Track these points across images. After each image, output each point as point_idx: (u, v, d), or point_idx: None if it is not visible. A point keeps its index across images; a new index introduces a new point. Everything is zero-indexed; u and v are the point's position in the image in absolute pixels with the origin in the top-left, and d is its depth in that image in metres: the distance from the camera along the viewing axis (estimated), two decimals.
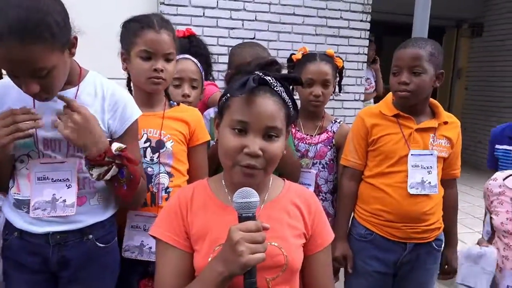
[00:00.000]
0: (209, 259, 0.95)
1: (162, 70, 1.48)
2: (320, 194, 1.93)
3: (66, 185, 1.27)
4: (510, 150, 2.19)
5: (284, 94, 0.99)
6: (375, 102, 4.34)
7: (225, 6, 3.99)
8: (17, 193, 1.29)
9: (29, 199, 1.26)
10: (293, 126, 1.96)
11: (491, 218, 1.65)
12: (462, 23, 7.24)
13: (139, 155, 1.41)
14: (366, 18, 4.50)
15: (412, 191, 1.66)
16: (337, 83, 1.98)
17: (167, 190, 1.51)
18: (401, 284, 1.80)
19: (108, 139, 1.27)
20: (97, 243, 1.33)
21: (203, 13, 3.93)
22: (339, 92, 2.03)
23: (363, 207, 1.78)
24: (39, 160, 1.26)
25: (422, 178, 1.67)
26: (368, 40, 4.54)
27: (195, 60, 1.84)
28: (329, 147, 1.93)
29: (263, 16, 4.14)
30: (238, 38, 3.90)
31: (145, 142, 1.51)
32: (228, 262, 0.86)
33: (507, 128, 2.30)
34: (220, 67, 3.16)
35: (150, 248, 1.47)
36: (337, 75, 1.96)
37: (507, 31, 6.43)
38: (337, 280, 1.93)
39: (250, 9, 4.08)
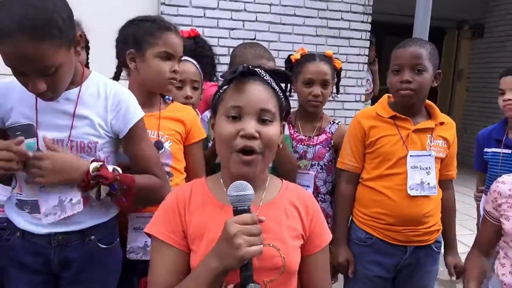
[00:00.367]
0: None
1: (177, 72, 1.54)
2: (319, 195, 1.92)
3: (69, 185, 1.26)
4: (499, 153, 2.20)
5: (274, 84, 1.02)
6: (372, 103, 4.34)
7: (225, 7, 4.00)
8: (19, 194, 1.29)
9: (31, 200, 1.26)
10: (291, 127, 1.96)
11: (500, 222, 1.58)
12: (463, 24, 7.25)
13: (153, 152, 1.41)
14: (367, 19, 4.50)
15: (412, 192, 1.65)
16: (335, 85, 1.98)
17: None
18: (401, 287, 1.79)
19: (92, 158, 1.27)
20: (99, 244, 1.33)
21: (204, 14, 3.94)
22: (337, 93, 2.03)
23: (362, 211, 1.76)
24: None
25: (421, 179, 1.66)
26: (369, 41, 4.55)
27: (195, 62, 1.86)
28: (328, 148, 1.92)
29: (263, 17, 4.14)
30: (238, 38, 3.91)
31: None
32: (223, 256, 0.86)
33: (494, 131, 2.31)
34: (221, 67, 3.17)
35: None
36: (335, 76, 1.96)
37: (507, 33, 6.44)
38: (335, 281, 1.93)
39: (251, 9, 4.09)
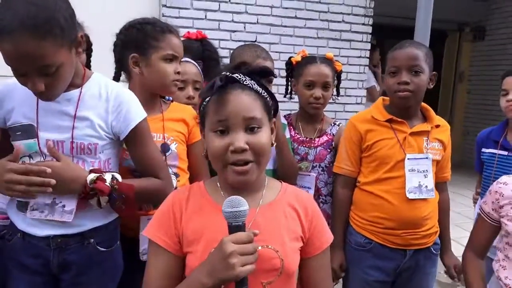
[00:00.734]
0: None
1: (180, 73, 1.57)
2: (320, 197, 1.92)
3: None
4: (495, 154, 2.19)
5: (256, 86, 0.99)
6: None
7: (227, 9, 4.01)
8: None
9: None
10: (292, 129, 1.96)
11: (499, 223, 1.56)
12: (464, 27, 7.25)
13: (157, 155, 1.40)
14: (368, 22, 4.50)
15: (410, 195, 1.64)
16: (335, 87, 1.98)
17: None
18: None
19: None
20: (98, 247, 1.32)
21: (205, 16, 3.95)
22: (337, 96, 2.03)
23: (360, 215, 1.74)
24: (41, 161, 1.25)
25: (419, 182, 1.65)
26: (369, 44, 4.55)
27: (195, 63, 1.87)
28: (329, 150, 1.92)
29: (265, 19, 4.15)
30: (239, 41, 3.91)
31: None
32: (215, 272, 0.86)
33: (493, 132, 2.30)
34: None
35: None
36: (336, 78, 1.96)
37: (509, 35, 6.44)
38: (336, 283, 1.92)
39: (252, 12, 4.09)
